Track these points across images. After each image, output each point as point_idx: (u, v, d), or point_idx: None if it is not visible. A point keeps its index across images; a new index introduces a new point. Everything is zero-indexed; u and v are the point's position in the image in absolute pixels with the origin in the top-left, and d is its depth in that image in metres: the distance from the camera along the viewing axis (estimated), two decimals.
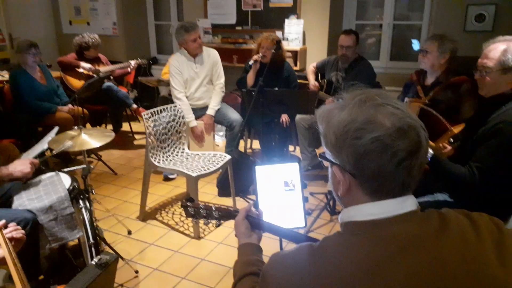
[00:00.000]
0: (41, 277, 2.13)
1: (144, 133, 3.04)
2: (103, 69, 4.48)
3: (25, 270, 1.30)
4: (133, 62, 4.60)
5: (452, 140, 2.12)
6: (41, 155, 2.29)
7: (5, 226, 1.48)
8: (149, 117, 2.93)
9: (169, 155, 3.12)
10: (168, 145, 3.13)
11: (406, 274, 0.72)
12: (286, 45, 4.38)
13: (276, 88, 3.35)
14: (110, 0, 5.65)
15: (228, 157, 3.06)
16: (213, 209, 1.33)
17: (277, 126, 3.64)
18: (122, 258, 2.44)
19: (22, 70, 3.78)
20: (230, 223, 1.27)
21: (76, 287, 1.45)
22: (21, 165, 2.05)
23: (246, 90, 3.49)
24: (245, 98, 3.60)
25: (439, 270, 0.73)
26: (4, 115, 3.80)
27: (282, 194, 1.41)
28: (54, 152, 2.27)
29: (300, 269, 0.79)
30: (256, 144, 4.44)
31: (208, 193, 3.46)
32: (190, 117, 3.55)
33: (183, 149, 3.24)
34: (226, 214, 1.32)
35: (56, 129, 2.53)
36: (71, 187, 2.17)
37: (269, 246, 1.55)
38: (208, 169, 2.86)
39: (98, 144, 2.40)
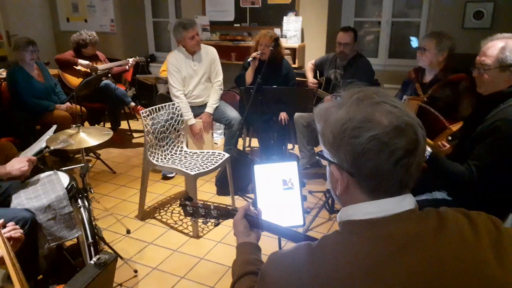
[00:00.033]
0: (40, 276, 2.13)
1: (142, 131, 3.03)
2: (101, 66, 4.47)
3: (24, 270, 1.30)
4: (131, 60, 4.59)
5: (450, 138, 2.12)
6: (39, 153, 2.29)
7: (4, 226, 1.48)
8: (147, 115, 2.93)
9: (168, 154, 3.12)
10: (167, 144, 3.12)
11: (406, 273, 0.72)
12: (285, 42, 4.37)
13: (275, 86, 3.35)
14: None
15: (227, 155, 3.05)
16: (212, 208, 1.33)
17: (276, 124, 3.64)
18: (121, 258, 2.44)
19: (20, 67, 3.77)
20: (229, 222, 1.27)
21: (75, 287, 1.45)
22: (18, 163, 2.05)
23: (244, 88, 3.48)
24: (244, 96, 3.60)
25: (437, 269, 0.73)
26: (1, 113, 3.78)
27: (281, 193, 1.41)
28: (50, 148, 2.26)
29: (299, 269, 0.79)
30: (254, 142, 4.44)
31: (207, 192, 3.46)
32: (188, 115, 3.55)
33: (182, 147, 3.24)
34: (224, 213, 1.32)
35: (54, 127, 2.53)
36: (69, 186, 2.17)
37: (268, 245, 1.56)
38: (206, 167, 2.86)
39: (96, 142, 2.40)
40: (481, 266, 0.75)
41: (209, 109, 3.67)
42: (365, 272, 0.73)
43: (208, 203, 1.34)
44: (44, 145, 2.32)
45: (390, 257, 0.74)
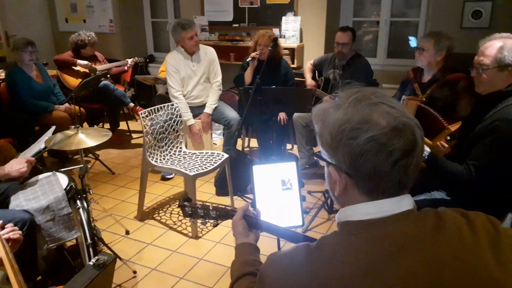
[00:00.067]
0: (39, 278, 2.13)
1: (141, 132, 3.03)
2: (100, 67, 4.46)
3: (23, 271, 1.30)
4: (130, 60, 4.59)
5: (449, 138, 2.12)
6: (38, 154, 2.28)
7: (2, 227, 1.48)
8: (146, 116, 2.93)
9: (167, 154, 3.12)
10: (166, 144, 3.12)
11: (404, 274, 0.72)
12: (283, 42, 4.37)
13: (274, 86, 3.35)
14: None
15: (226, 156, 3.05)
16: (211, 208, 1.33)
17: (275, 124, 3.64)
18: (120, 259, 2.44)
19: (19, 68, 3.76)
20: (228, 222, 1.27)
21: None
22: (17, 165, 2.05)
23: (243, 88, 3.48)
24: (243, 96, 3.60)
25: (436, 269, 0.73)
26: (0, 114, 3.78)
27: (280, 193, 1.41)
28: (47, 148, 2.27)
29: (298, 269, 0.79)
30: (253, 143, 4.44)
31: (206, 192, 3.46)
32: (187, 115, 3.54)
33: (181, 148, 3.23)
34: (223, 214, 1.33)
35: (53, 128, 2.53)
36: (68, 187, 2.17)
37: (267, 245, 1.56)
38: (205, 168, 2.86)
39: (95, 143, 2.40)
40: (479, 266, 0.75)
41: (208, 109, 3.67)
42: (364, 273, 0.73)
43: (207, 204, 1.34)
44: (43, 146, 2.32)
45: (389, 257, 0.74)
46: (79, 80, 4.28)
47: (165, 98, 3.87)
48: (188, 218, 1.37)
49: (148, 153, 2.93)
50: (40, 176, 2.25)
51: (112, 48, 5.73)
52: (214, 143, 4.39)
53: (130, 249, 2.66)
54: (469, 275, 0.74)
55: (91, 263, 1.62)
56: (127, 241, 2.77)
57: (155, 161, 2.97)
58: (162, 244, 2.73)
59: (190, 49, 3.56)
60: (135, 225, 2.95)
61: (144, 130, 2.90)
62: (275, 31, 4.36)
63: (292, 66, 4.19)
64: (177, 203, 3.18)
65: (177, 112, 3.18)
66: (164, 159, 3.06)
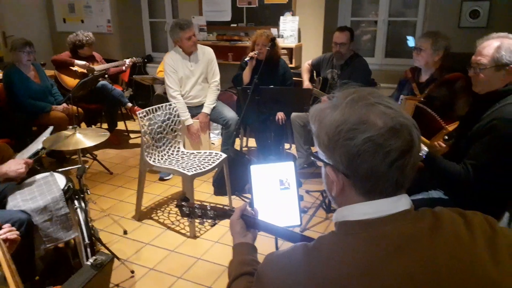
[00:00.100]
0: (37, 278, 2.13)
1: (139, 132, 3.03)
2: (98, 67, 4.46)
3: (20, 271, 1.30)
4: (128, 60, 4.58)
5: (447, 137, 2.12)
6: (36, 154, 2.28)
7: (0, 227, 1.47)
8: (144, 116, 2.92)
9: (165, 154, 3.11)
10: (164, 144, 3.12)
11: (401, 273, 0.72)
12: (281, 42, 4.38)
13: (272, 86, 3.35)
14: None
15: (224, 155, 3.05)
16: (208, 208, 1.33)
17: (273, 124, 3.64)
18: (117, 258, 2.43)
19: (16, 68, 3.75)
20: (226, 222, 1.27)
21: None
22: (15, 165, 2.05)
23: (241, 88, 3.48)
24: (241, 96, 3.60)
25: (433, 269, 0.73)
26: None
27: (277, 193, 1.41)
28: (45, 150, 2.27)
29: (295, 269, 0.79)
30: (252, 142, 4.44)
31: (204, 192, 3.46)
32: (185, 115, 3.54)
33: (179, 148, 3.23)
34: (221, 214, 1.32)
35: (50, 128, 2.52)
36: (66, 187, 2.17)
37: (265, 245, 1.56)
38: (203, 168, 2.86)
39: (93, 143, 2.39)
40: (476, 266, 0.75)
41: (206, 109, 3.67)
42: (361, 273, 0.73)
43: (204, 204, 1.34)
44: (40, 146, 2.31)
45: (386, 257, 0.74)
46: (77, 80, 4.27)
47: (163, 98, 3.87)
48: (186, 218, 1.38)
49: (146, 153, 2.93)
50: (38, 176, 2.25)
51: (110, 48, 5.72)
52: (212, 143, 4.39)
53: (128, 249, 2.66)
54: (466, 274, 0.74)
55: (88, 263, 1.62)
56: (125, 241, 2.76)
57: (153, 161, 2.97)
58: (160, 244, 2.72)
59: (188, 49, 3.56)
60: (133, 225, 2.95)
61: (142, 130, 2.89)
62: (273, 31, 4.36)
63: (290, 66, 4.20)
64: (175, 203, 3.18)
65: (175, 112, 3.18)
66: (162, 159, 3.06)
